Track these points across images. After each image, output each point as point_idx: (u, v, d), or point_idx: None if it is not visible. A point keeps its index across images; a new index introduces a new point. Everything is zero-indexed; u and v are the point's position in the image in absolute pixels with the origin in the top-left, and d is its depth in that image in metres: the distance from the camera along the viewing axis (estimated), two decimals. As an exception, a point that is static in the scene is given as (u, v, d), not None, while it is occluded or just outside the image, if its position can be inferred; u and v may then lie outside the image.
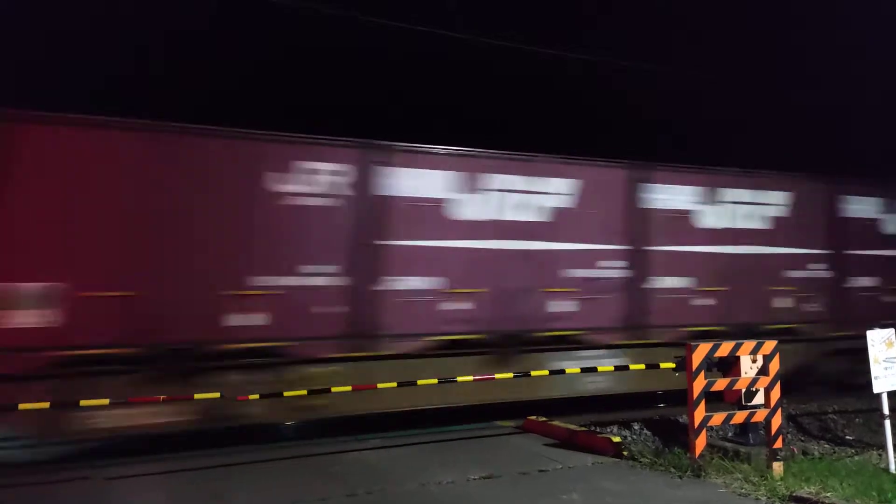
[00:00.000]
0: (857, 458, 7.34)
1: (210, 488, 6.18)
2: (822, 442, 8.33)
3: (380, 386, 7.46)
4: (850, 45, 16.64)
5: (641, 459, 6.92)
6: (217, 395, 7.00)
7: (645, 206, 10.39)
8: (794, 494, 5.66)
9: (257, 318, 7.99)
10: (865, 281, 11.88)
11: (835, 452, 7.81)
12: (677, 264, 10.51)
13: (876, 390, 6.65)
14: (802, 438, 8.53)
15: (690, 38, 16.97)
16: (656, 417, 9.18)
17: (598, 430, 8.29)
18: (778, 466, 6.37)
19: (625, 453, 7.10)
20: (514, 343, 9.35)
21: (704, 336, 9.82)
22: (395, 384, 7.57)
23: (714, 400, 6.79)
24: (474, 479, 6.37)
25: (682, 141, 15.07)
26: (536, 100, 16.82)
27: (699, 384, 6.51)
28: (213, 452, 7.52)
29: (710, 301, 10.61)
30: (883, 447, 6.72)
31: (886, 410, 6.65)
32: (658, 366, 7.98)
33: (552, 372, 8.86)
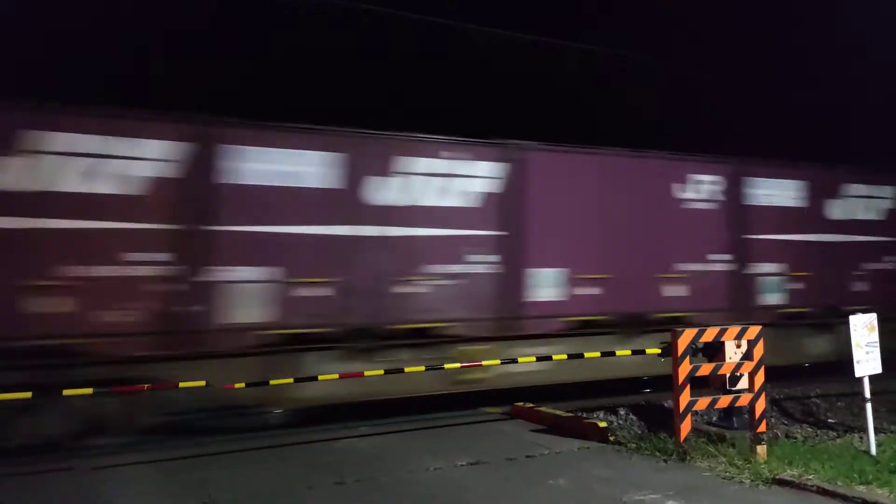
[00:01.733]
0: (838, 440, 7.44)
1: (195, 477, 6.16)
2: (804, 425, 8.42)
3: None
4: (850, 44, 16.68)
5: (628, 444, 6.98)
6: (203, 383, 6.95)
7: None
8: (777, 477, 5.73)
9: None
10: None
11: (817, 435, 7.90)
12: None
13: (857, 374, 6.72)
14: (786, 422, 8.63)
15: (690, 37, 16.96)
16: (642, 402, 9.25)
17: (584, 415, 8.33)
18: (762, 450, 6.45)
19: (611, 438, 7.16)
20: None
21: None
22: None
23: (699, 385, 6.85)
24: (462, 466, 6.40)
25: (681, 139, 15.07)
26: (534, 95, 16.79)
27: (684, 369, 6.56)
28: (201, 442, 7.50)
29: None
30: (864, 430, 6.82)
31: (868, 394, 6.74)
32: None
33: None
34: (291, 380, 7.39)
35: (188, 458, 6.80)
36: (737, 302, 11.17)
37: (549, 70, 15.72)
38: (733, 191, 11.36)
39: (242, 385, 7.11)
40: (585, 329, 10.00)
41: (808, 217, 12.02)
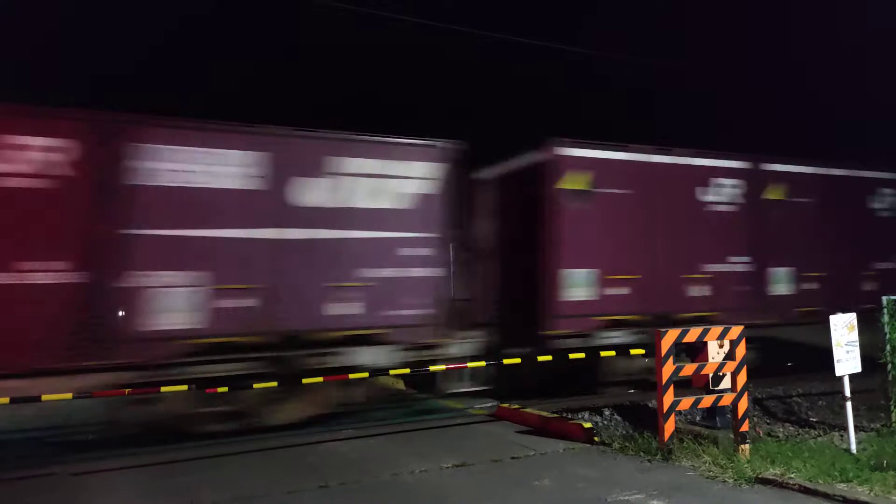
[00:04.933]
0: (820, 439, 7.52)
1: (177, 482, 6.10)
2: (786, 424, 8.50)
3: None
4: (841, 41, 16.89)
5: (612, 445, 7.00)
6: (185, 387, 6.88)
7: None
8: (760, 476, 5.78)
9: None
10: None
11: (799, 434, 7.98)
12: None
13: (838, 373, 6.80)
14: (768, 421, 8.70)
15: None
16: (627, 403, 9.29)
17: (569, 416, 8.36)
18: (744, 449, 6.50)
19: (596, 439, 7.18)
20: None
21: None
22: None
23: (682, 385, 6.89)
24: (447, 468, 6.38)
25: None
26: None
27: (668, 370, 6.60)
28: (184, 446, 7.42)
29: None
30: (845, 428, 6.90)
31: (848, 393, 6.82)
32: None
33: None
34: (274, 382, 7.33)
35: (172, 463, 6.74)
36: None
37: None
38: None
39: (225, 389, 7.06)
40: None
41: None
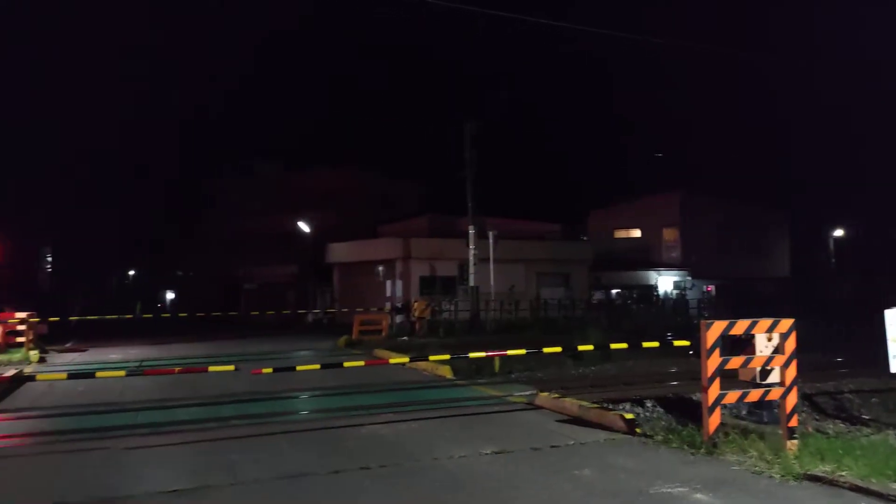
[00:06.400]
0: (872, 437, 7.28)
1: (223, 459, 6.26)
2: (837, 421, 8.27)
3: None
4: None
5: (654, 437, 6.90)
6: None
7: None
8: (808, 473, 5.62)
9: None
10: None
11: (850, 431, 7.75)
12: None
13: (893, 369, 6.57)
14: (817, 417, 8.47)
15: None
16: (669, 395, 9.15)
17: (610, 406, 8.28)
18: (792, 445, 6.33)
19: (637, 430, 7.09)
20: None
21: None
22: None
23: (727, 377, 6.74)
24: (486, 455, 6.39)
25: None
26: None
27: (714, 362, 6.46)
28: (229, 425, 7.63)
29: None
30: (899, 427, 6.67)
31: (904, 390, 6.59)
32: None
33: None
34: (318, 366, 7.47)
35: (217, 441, 6.92)
36: None
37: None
38: None
39: (270, 370, 7.20)
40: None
41: None
